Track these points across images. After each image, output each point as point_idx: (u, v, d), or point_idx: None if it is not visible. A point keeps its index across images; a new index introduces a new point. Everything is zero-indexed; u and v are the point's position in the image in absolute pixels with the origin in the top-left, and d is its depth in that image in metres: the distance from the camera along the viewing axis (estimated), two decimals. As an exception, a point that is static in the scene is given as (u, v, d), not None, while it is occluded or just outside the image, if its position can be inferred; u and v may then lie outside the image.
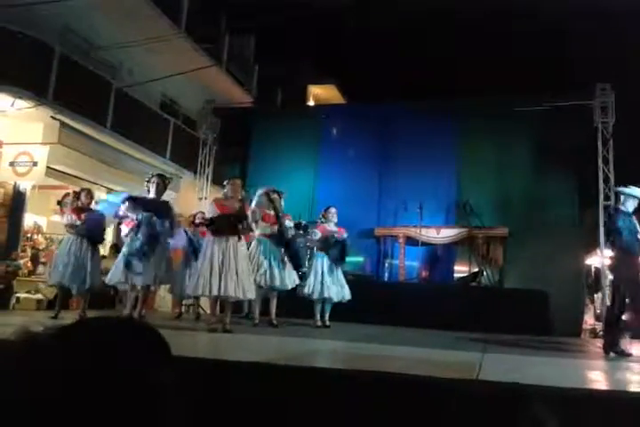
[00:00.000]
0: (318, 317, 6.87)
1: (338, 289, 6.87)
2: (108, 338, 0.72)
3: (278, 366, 2.99)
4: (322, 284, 6.78)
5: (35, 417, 0.63)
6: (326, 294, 6.77)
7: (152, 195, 6.10)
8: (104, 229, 6.74)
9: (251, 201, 6.30)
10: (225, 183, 5.93)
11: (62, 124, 9.14)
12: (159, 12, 10.53)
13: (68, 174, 9.93)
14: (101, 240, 6.76)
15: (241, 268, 5.48)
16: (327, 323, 6.90)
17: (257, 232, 6.45)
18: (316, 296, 6.77)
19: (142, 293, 5.99)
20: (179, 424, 0.73)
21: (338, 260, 6.92)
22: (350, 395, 2.70)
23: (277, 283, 6.37)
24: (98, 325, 0.76)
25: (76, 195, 6.80)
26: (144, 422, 0.68)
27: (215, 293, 5.37)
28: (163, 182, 6.24)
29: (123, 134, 10.20)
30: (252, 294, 5.65)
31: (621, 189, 5.60)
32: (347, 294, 6.97)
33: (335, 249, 6.91)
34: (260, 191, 6.56)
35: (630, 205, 5.31)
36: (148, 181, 6.18)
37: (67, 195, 9.15)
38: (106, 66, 10.81)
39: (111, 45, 10.19)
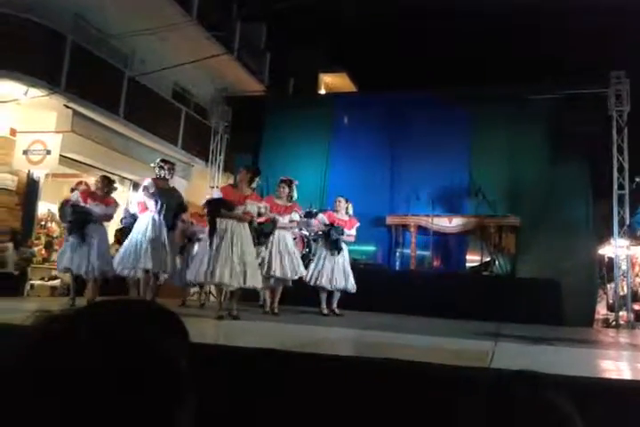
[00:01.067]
0: (324, 304, 6.84)
1: (336, 278, 6.79)
2: (126, 320, 0.72)
3: (285, 353, 3.01)
4: (319, 272, 6.78)
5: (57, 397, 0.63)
6: (319, 282, 6.73)
7: (168, 178, 6.20)
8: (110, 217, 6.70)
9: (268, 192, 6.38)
10: (239, 170, 6.05)
11: (75, 112, 9.19)
12: (170, 0, 10.50)
13: (80, 162, 10.00)
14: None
15: (244, 255, 5.44)
16: (337, 311, 6.88)
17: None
18: (312, 283, 6.77)
19: (153, 280, 6.02)
20: (192, 412, 0.73)
21: (332, 249, 6.87)
22: (360, 382, 2.71)
23: (278, 272, 6.32)
24: (113, 307, 0.76)
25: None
26: (160, 407, 0.68)
27: (215, 280, 5.35)
28: (172, 167, 6.29)
29: (135, 123, 10.25)
30: (257, 282, 5.58)
31: None
32: (347, 285, 6.87)
33: (328, 239, 6.89)
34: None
35: None
36: (160, 168, 6.19)
37: (80, 182, 9.22)
38: (118, 55, 10.83)
39: (123, 34, 10.19)
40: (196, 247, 7.28)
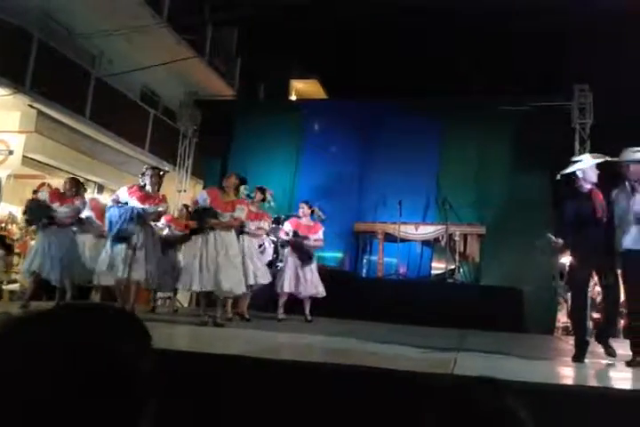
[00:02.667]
0: (281, 310, 6.85)
1: (303, 284, 6.79)
2: (89, 323, 0.71)
3: (252, 359, 2.99)
4: (288, 278, 6.79)
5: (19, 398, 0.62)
6: (286, 288, 6.73)
7: (148, 187, 5.96)
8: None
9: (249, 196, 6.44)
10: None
11: (40, 112, 9.01)
12: (141, 1, 10.40)
13: (44, 164, 9.80)
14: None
15: (230, 261, 5.51)
16: (309, 317, 6.90)
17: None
18: (278, 290, 6.81)
19: (135, 287, 5.89)
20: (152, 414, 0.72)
21: (303, 262, 6.84)
22: (326, 387, 2.71)
23: (251, 280, 6.37)
24: (73, 310, 0.76)
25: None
26: (121, 408, 0.67)
27: (207, 288, 5.39)
28: (158, 175, 6.10)
29: (101, 125, 10.08)
30: (238, 289, 5.62)
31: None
32: (317, 289, 6.87)
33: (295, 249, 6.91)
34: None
35: None
36: (142, 175, 6.09)
37: (42, 184, 9.02)
38: (86, 55, 10.67)
39: (92, 34, 10.04)
40: (179, 254, 7.25)
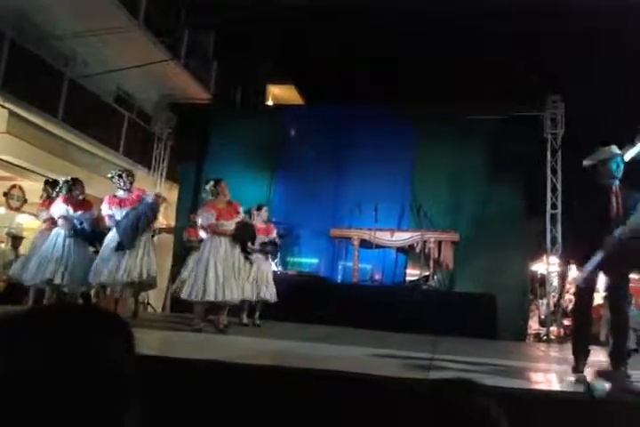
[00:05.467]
0: (244, 315, 6.95)
1: (260, 288, 6.81)
2: (71, 324, 0.71)
3: (228, 364, 2.98)
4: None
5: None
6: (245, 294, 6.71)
7: (126, 188, 6.15)
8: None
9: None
10: (212, 184, 5.82)
11: (11, 113, 8.84)
12: (117, 3, 10.28)
13: (15, 165, 9.60)
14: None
15: (237, 269, 5.65)
16: (257, 322, 6.96)
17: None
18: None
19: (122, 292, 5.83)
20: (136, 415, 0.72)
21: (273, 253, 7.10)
22: (302, 392, 2.70)
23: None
24: (57, 311, 0.75)
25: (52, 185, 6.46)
26: (106, 409, 0.67)
27: (212, 298, 5.39)
28: (130, 177, 6.28)
29: (74, 126, 9.93)
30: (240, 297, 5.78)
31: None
32: (267, 295, 6.88)
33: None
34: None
35: None
36: (119, 177, 6.11)
37: (13, 186, 8.85)
38: (59, 55, 10.49)
39: (66, 35, 9.89)
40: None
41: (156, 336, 5.02)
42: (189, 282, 5.60)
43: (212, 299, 5.42)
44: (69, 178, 6.48)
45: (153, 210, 5.96)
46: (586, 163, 4.19)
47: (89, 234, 6.09)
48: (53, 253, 5.95)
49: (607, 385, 1.22)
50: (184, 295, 5.57)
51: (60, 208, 6.10)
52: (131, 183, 6.24)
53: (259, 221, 6.98)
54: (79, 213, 6.14)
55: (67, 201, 6.15)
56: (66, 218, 6.06)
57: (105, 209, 6.04)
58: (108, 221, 6.02)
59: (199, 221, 5.75)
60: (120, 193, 6.16)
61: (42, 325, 0.68)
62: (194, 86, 13.20)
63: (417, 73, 15.80)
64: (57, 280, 5.88)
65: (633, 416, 2.79)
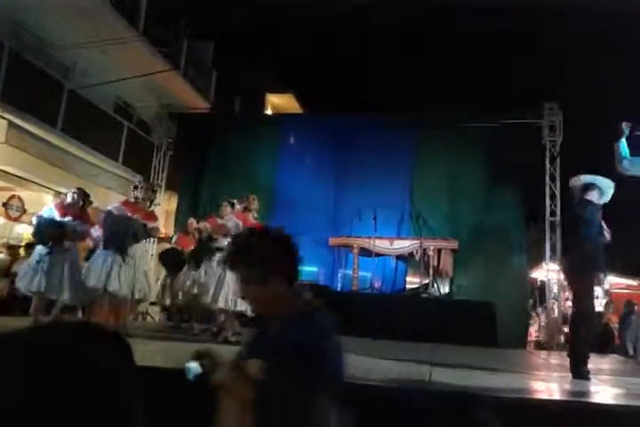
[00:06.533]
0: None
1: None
2: (68, 340, 0.71)
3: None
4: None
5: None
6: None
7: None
8: None
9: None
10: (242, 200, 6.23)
11: (10, 123, 8.86)
12: (116, 14, 10.34)
13: (14, 175, 9.61)
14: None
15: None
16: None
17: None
18: None
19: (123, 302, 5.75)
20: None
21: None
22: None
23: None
24: (55, 327, 0.75)
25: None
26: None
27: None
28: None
29: (74, 136, 9.95)
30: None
31: (591, 178, 4.74)
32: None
33: None
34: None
35: (595, 199, 4.67)
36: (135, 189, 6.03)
37: (12, 197, 8.84)
38: (58, 65, 10.54)
39: (65, 45, 9.94)
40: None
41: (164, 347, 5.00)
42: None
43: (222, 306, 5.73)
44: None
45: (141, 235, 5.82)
46: None
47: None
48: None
49: (202, 367, 1.21)
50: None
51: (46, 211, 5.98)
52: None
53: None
54: (67, 218, 5.88)
55: (58, 206, 5.99)
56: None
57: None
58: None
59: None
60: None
61: (38, 339, 0.68)
62: (193, 96, 13.24)
63: (415, 81, 15.87)
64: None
65: (636, 424, 2.77)
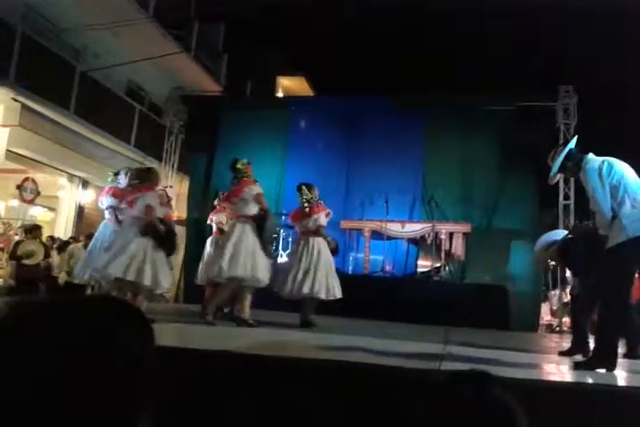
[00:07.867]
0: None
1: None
2: (90, 313, 0.71)
3: (240, 355, 3.00)
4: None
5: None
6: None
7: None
8: None
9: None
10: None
11: (24, 106, 8.90)
12: (127, -4, 10.31)
13: (27, 158, 9.68)
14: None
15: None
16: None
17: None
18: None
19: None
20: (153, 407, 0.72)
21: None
22: (313, 383, 2.72)
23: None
24: (77, 300, 0.76)
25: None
26: (121, 404, 0.67)
27: (307, 291, 5.83)
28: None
29: (86, 119, 9.99)
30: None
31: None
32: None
33: None
34: None
35: None
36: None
37: (26, 179, 8.89)
38: (70, 48, 10.55)
39: (76, 28, 9.93)
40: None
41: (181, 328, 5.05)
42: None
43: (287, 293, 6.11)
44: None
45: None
46: None
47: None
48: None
49: None
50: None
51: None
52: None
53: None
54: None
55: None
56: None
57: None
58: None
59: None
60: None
61: (64, 312, 0.69)
62: (204, 79, 13.23)
63: (427, 64, 15.69)
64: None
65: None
